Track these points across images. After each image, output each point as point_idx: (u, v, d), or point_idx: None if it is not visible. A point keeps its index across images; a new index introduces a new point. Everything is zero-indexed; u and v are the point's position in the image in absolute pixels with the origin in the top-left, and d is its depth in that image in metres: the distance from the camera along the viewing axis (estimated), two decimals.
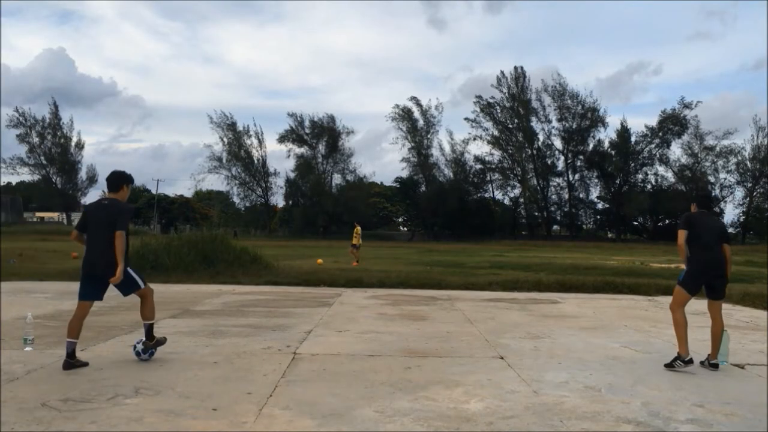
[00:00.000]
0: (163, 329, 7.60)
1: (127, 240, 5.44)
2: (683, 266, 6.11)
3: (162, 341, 5.84)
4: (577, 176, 74.07)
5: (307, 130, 73.28)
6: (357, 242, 23.18)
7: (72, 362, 5.37)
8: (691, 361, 5.80)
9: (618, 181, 72.10)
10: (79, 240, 5.69)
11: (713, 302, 6.10)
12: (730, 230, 70.15)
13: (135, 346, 5.81)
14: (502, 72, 72.71)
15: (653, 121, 70.79)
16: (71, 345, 5.39)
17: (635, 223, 74.88)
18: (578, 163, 73.47)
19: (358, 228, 23.75)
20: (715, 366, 5.93)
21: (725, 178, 68.90)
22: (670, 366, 5.83)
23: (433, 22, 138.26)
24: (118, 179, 5.76)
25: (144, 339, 5.76)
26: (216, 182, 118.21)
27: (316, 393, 4.74)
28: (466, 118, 73.98)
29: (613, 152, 71.51)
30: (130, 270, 5.55)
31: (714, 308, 6.10)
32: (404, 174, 75.48)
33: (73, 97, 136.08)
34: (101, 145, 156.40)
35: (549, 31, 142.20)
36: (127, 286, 5.56)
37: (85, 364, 5.45)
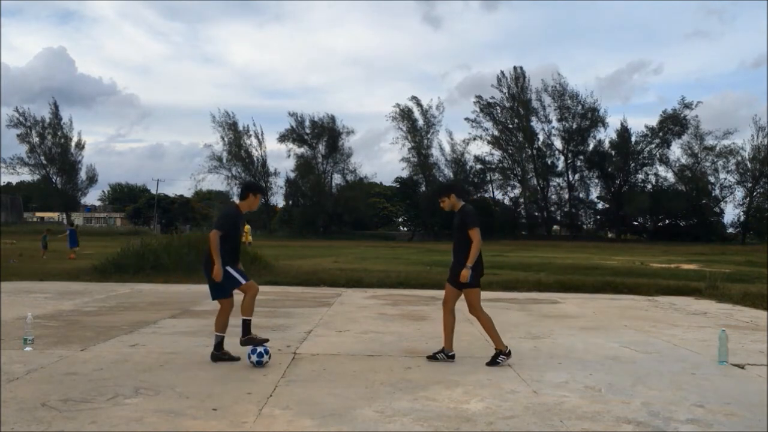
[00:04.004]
0: (163, 329, 7.61)
1: (231, 241, 5.76)
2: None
3: (257, 341, 5.75)
4: (577, 176, 74.18)
5: (307, 130, 73.33)
6: (247, 240, 23.69)
7: (218, 354, 5.81)
8: (510, 354, 5.94)
9: (618, 181, 72.13)
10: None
11: (459, 291, 6.16)
12: (731, 230, 70.34)
13: (250, 356, 5.64)
14: (501, 72, 72.90)
15: (653, 121, 70.99)
16: (218, 338, 5.86)
17: (635, 223, 74.87)
18: (578, 163, 73.54)
19: (247, 227, 24.50)
20: (453, 357, 6.09)
21: (725, 178, 69.04)
22: (493, 363, 5.85)
23: (428, 19, 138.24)
24: (244, 187, 6.20)
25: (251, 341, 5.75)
26: (216, 182, 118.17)
27: (316, 393, 4.74)
28: (466, 119, 74.13)
29: (613, 152, 71.55)
30: (230, 269, 5.77)
31: (457, 296, 6.20)
32: (404, 174, 75.56)
33: (73, 96, 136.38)
34: (99, 145, 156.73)
35: (548, 29, 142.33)
36: (230, 282, 5.79)
37: (235, 359, 5.77)
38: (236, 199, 6.32)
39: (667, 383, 5.29)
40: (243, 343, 5.73)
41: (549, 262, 23.05)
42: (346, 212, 72.44)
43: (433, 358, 6.15)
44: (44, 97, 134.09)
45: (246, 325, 5.80)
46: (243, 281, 5.83)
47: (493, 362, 5.87)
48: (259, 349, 5.66)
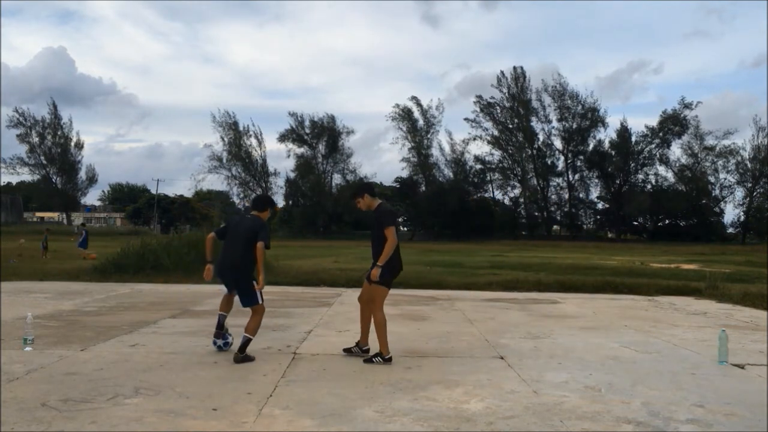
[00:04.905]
0: (163, 329, 7.62)
1: None
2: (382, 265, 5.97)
3: (251, 359, 5.82)
4: (577, 176, 74.12)
5: (307, 130, 73.31)
6: None
7: (221, 333, 6.13)
8: (390, 360, 5.85)
9: (618, 181, 72.11)
10: (210, 242, 6.21)
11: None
12: (731, 230, 70.29)
13: (215, 342, 6.24)
14: (501, 72, 72.83)
15: (653, 121, 70.93)
16: (222, 317, 6.16)
17: (635, 223, 74.86)
18: (578, 163, 73.49)
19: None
20: (367, 352, 6.05)
21: (725, 178, 68.98)
22: (369, 361, 5.87)
23: (427, 18, 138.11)
24: (264, 201, 6.44)
25: (237, 349, 5.89)
26: (216, 182, 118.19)
27: (316, 393, 4.74)
28: (466, 119, 74.06)
29: (613, 152, 71.53)
30: (255, 283, 5.96)
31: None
32: (404, 174, 75.50)
33: (73, 96, 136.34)
34: (98, 145, 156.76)
35: (548, 29, 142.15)
36: (250, 297, 5.95)
37: (230, 342, 6.13)
38: (242, 207, 6.47)
39: (667, 383, 5.29)
40: (237, 360, 5.72)
41: (549, 262, 23.04)
42: (346, 212, 72.30)
43: (348, 351, 6.18)
44: (44, 97, 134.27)
45: (246, 344, 5.82)
46: (260, 301, 5.99)
47: (369, 360, 5.88)
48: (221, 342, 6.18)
